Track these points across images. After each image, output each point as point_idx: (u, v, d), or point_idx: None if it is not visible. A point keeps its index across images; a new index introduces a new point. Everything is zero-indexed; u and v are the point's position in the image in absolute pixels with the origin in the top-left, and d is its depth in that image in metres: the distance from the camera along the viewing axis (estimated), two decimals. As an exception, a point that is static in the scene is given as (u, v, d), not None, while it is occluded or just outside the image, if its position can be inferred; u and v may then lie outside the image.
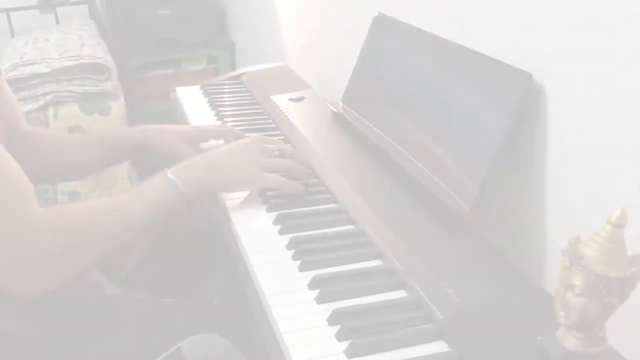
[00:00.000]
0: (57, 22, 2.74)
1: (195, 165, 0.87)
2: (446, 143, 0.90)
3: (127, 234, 0.81)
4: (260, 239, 0.82)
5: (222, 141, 1.08)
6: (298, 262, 0.76)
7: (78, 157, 1.08)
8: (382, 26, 1.14)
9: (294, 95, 1.30)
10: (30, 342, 0.84)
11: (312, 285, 0.72)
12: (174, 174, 0.85)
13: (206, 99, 1.36)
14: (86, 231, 0.77)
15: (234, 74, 1.52)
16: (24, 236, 0.72)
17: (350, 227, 0.84)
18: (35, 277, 0.73)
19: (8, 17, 2.65)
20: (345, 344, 0.63)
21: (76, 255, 0.76)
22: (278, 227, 0.84)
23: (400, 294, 0.71)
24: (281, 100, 1.27)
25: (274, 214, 0.87)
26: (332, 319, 0.66)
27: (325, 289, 0.70)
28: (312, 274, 0.74)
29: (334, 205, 0.90)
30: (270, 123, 1.20)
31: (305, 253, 0.77)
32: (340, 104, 1.20)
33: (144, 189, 0.84)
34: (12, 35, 2.62)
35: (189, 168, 0.87)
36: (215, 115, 1.26)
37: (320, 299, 0.70)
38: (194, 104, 1.34)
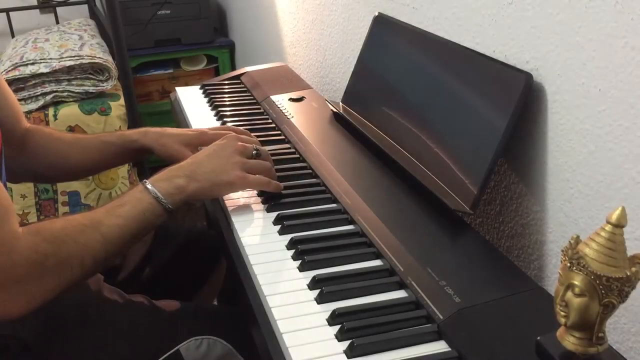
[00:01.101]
0: (57, 22, 2.75)
1: (176, 174, 0.85)
2: (446, 143, 0.90)
3: (107, 250, 0.78)
4: (260, 239, 0.82)
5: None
6: (298, 262, 0.76)
7: (83, 159, 1.07)
8: (382, 26, 1.14)
9: (294, 95, 1.30)
10: (29, 345, 0.84)
11: (312, 285, 0.72)
12: (153, 184, 0.83)
13: (206, 99, 1.36)
14: (65, 250, 0.74)
15: (234, 74, 1.52)
16: (2, 258, 0.69)
17: (350, 227, 0.84)
18: (16, 298, 0.71)
19: (8, 17, 2.65)
20: (345, 344, 0.63)
21: (56, 275, 0.73)
22: (278, 227, 0.84)
23: (400, 294, 0.71)
24: (281, 100, 1.27)
25: (273, 214, 0.87)
26: (332, 319, 0.66)
27: (325, 289, 0.70)
28: (312, 274, 0.74)
29: (334, 205, 0.90)
30: (270, 123, 1.20)
31: (305, 253, 0.77)
32: (340, 103, 1.21)
33: (123, 202, 0.81)
34: (12, 35, 2.63)
35: (169, 177, 0.84)
36: (215, 115, 1.26)
37: (320, 299, 0.70)
38: (194, 104, 1.34)
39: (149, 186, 0.82)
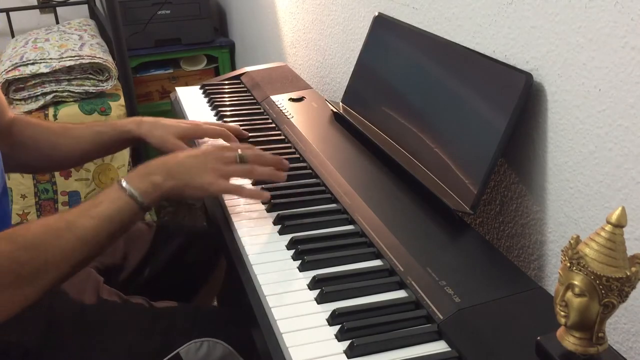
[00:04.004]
0: (57, 22, 2.75)
1: (153, 170, 0.84)
2: (446, 143, 0.90)
3: (83, 252, 0.76)
4: (260, 239, 0.82)
5: (220, 140, 1.07)
6: (298, 262, 0.76)
7: (74, 149, 1.06)
8: (382, 26, 1.14)
9: (294, 95, 1.30)
10: (29, 348, 0.83)
11: (312, 285, 0.72)
12: (129, 182, 0.81)
13: (206, 99, 1.36)
14: (42, 257, 0.72)
15: (234, 74, 1.52)
16: None
17: (350, 227, 0.84)
18: None
19: (8, 17, 2.65)
20: (345, 344, 0.63)
21: (33, 282, 0.72)
22: (278, 227, 0.84)
23: (400, 294, 0.71)
24: (281, 100, 1.27)
25: (274, 214, 0.87)
26: (332, 319, 0.66)
27: (325, 289, 0.70)
28: (312, 274, 0.74)
29: (334, 205, 0.90)
30: (270, 123, 1.20)
31: (305, 253, 0.77)
32: (340, 104, 1.21)
33: (98, 202, 0.80)
34: (12, 35, 2.63)
35: (146, 173, 0.83)
36: (215, 115, 1.26)
37: (320, 299, 0.70)
38: (194, 104, 1.34)
39: (124, 184, 0.81)
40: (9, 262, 0.70)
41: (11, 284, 0.70)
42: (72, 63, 2.10)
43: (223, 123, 1.13)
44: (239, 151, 0.90)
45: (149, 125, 1.05)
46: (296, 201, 0.90)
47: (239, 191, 0.87)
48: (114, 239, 0.81)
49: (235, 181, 0.91)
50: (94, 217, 0.78)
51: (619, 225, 0.51)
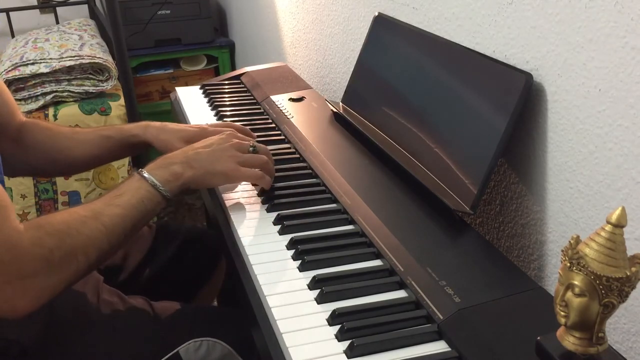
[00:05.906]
0: (57, 22, 2.75)
1: (172, 161, 0.86)
2: (446, 143, 0.90)
3: (110, 240, 0.77)
4: (260, 239, 0.82)
5: None
6: (298, 262, 0.76)
7: (82, 153, 1.07)
8: (382, 26, 1.14)
9: (294, 95, 1.30)
10: (28, 346, 0.83)
11: (312, 285, 0.72)
12: (150, 172, 0.83)
13: (206, 99, 1.36)
14: (69, 242, 0.73)
15: (234, 74, 1.52)
16: (5, 255, 0.68)
17: (350, 227, 0.84)
18: (24, 295, 0.70)
19: (8, 17, 2.65)
20: (345, 344, 0.63)
21: (62, 268, 0.72)
22: (278, 227, 0.84)
23: (400, 294, 0.71)
24: (281, 100, 1.27)
25: (273, 214, 0.87)
26: (332, 319, 0.66)
27: (325, 289, 0.70)
28: (312, 274, 0.74)
29: (334, 205, 0.90)
30: (270, 123, 1.20)
31: (305, 253, 0.77)
32: (340, 104, 1.21)
33: (121, 192, 0.81)
34: (12, 35, 2.63)
35: (165, 164, 0.86)
36: (215, 115, 1.26)
37: (320, 299, 0.70)
38: (194, 104, 1.34)
39: (145, 174, 0.83)
40: (38, 249, 0.70)
41: (41, 271, 0.71)
42: (72, 63, 2.10)
43: (230, 123, 1.12)
44: (252, 142, 0.93)
45: (155, 130, 1.05)
46: (296, 201, 0.90)
47: (259, 179, 0.89)
48: (138, 229, 0.83)
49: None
50: (118, 205, 0.79)
51: (619, 225, 0.51)
